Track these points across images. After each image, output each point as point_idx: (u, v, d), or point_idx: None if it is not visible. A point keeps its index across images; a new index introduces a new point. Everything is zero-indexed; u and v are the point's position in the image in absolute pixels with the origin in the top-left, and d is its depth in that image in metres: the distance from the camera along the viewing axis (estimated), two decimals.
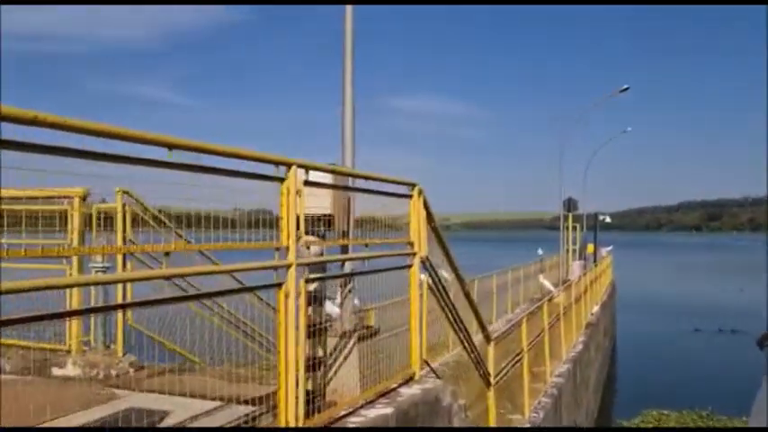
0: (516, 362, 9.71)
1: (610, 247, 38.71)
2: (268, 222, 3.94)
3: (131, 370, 6.33)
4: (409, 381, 5.44)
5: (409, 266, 5.38)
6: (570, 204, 33.40)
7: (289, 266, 3.73)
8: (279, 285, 3.68)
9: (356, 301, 6.77)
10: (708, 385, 22.96)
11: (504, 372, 8.95)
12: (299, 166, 3.82)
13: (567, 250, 32.84)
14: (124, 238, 6.46)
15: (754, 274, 50.76)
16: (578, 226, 33.98)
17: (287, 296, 3.70)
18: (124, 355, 6.48)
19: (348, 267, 5.57)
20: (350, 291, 5.60)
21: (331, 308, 6.64)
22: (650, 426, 19.01)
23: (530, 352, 11.33)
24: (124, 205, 6.48)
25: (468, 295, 6.89)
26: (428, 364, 5.87)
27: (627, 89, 28.93)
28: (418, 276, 5.41)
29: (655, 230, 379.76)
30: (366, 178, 5.16)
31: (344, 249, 5.51)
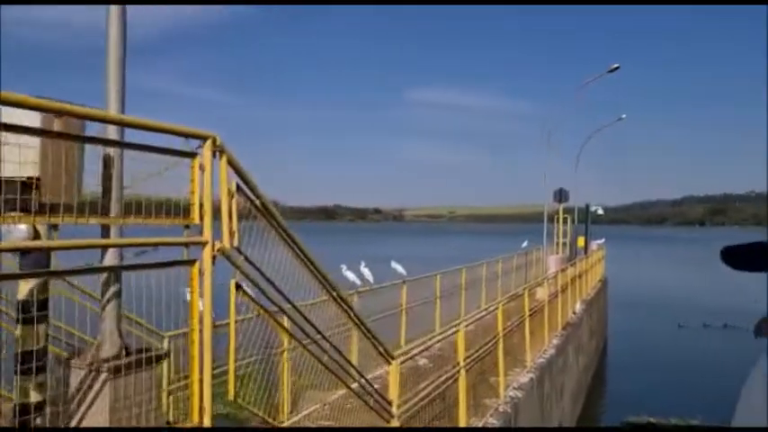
0: (447, 380, 7.82)
1: (601, 240, 36.79)
2: None
3: None
4: None
5: (190, 262, 3.44)
6: (561, 195, 31.60)
7: None
8: None
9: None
10: (705, 387, 21.08)
11: (424, 395, 7.08)
12: None
13: (557, 243, 31.01)
14: None
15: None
16: (569, 218, 32.01)
17: None
18: None
19: (111, 260, 3.69)
20: (115, 295, 3.72)
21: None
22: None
23: (482, 362, 9.53)
24: None
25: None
26: (246, 409, 3.97)
27: (617, 68, 26.91)
28: (208, 277, 3.49)
29: (658, 225, 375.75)
30: (113, 123, 3.25)
31: (106, 233, 3.62)
